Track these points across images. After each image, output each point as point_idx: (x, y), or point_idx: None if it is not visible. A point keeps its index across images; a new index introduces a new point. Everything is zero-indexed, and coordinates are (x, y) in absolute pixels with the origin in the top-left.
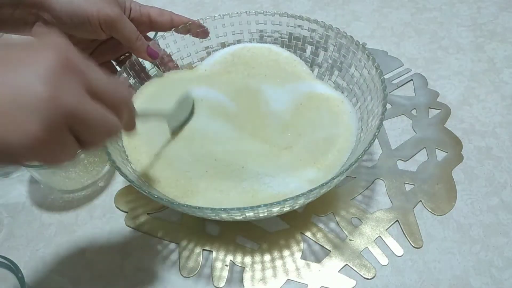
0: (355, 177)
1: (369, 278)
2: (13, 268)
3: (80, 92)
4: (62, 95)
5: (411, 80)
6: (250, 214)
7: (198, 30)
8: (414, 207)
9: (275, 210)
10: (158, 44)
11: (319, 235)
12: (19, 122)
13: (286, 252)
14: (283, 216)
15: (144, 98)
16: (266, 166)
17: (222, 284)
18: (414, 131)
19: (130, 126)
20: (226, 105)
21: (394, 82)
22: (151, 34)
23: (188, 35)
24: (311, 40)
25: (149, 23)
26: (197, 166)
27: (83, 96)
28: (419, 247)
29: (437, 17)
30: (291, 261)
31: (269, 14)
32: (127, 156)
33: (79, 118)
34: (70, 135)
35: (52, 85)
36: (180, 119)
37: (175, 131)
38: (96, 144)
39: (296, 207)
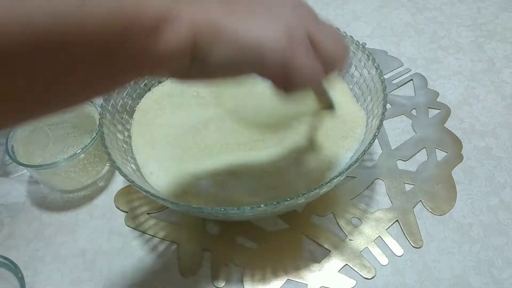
0: (355, 177)
1: (369, 278)
2: (13, 268)
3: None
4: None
5: (411, 80)
6: (250, 214)
7: None
8: (414, 207)
9: (275, 210)
10: None
11: (319, 235)
12: (273, 29)
13: (286, 252)
14: (283, 216)
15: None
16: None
17: (222, 284)
18: (414, 131)
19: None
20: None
21: (394, 82)
22: None
23: None
24: None
25: None
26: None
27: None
28: (419, 247)
29: (437, 17)
30: (291, 261)
31: None
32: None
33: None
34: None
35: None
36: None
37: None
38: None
39: (296, 207)
